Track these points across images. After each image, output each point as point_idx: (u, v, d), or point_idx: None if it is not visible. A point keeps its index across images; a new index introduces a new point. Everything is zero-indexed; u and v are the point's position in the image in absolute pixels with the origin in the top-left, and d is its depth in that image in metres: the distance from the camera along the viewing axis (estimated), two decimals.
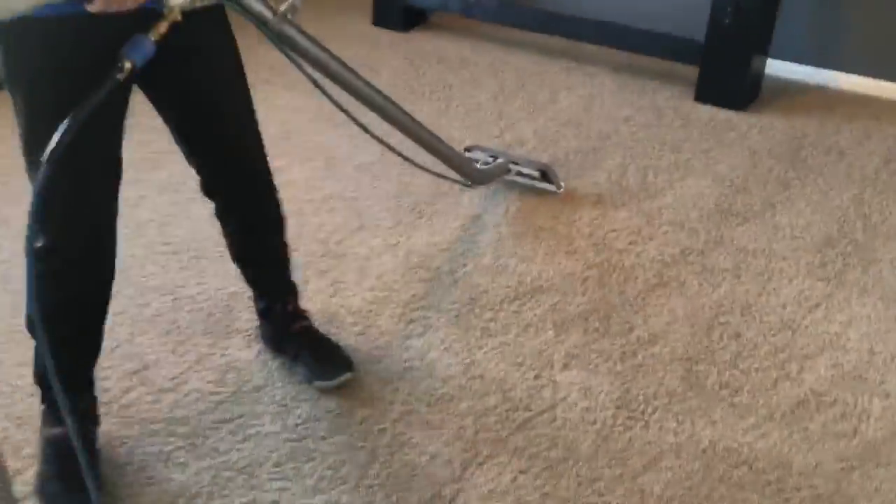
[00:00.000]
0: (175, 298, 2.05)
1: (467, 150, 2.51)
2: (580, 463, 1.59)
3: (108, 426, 1.67)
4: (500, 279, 2.09)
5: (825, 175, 2.50)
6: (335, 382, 1.76)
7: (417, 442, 1.64)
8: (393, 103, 1.77)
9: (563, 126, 2.81)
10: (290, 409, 1.72)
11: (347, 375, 1.76)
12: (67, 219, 1.40)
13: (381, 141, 1.70)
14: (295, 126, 2.80)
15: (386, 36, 3.53)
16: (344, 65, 1.61)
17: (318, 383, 1.76)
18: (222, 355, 1.87)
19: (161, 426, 1.69)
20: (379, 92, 1.71)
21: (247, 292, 1.97)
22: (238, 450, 1.63)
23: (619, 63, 3.19)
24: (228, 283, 2.08)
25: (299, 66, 1.49)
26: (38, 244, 1.36)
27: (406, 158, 1.85)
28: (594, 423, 1.68)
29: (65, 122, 1.13)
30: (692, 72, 2.93)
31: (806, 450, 1.61)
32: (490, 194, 2.43)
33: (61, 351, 1.38)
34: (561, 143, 2.70)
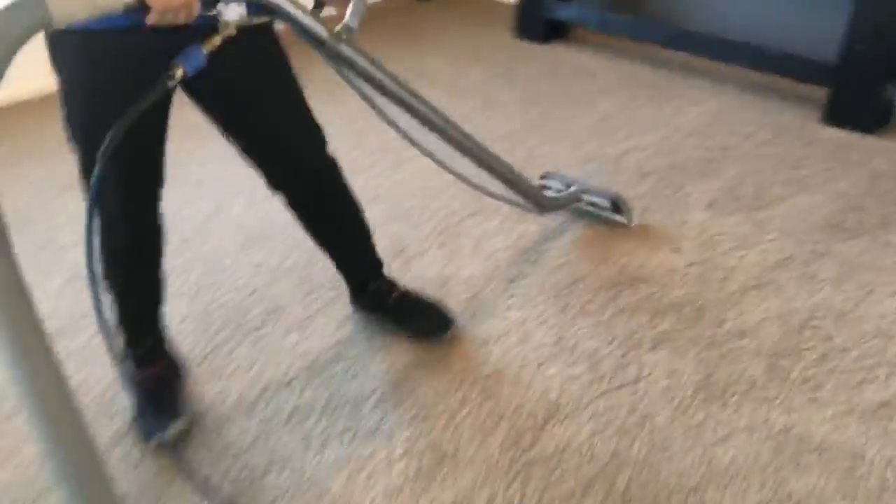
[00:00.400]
0: (310, 256, 2.31)
1: (543, 177, 2.53)
2: (654, 431, 1.70)
3: (243, 350, 1.94)
4: (603, 267, 2.22)
5: None
6: (443, 336, 1.94)
7: (505, 395, 1.80)
8: (454, 126, 1.76)
9: (686, 137, 2.90)
10: (395, 356, 1.92)
11: (453, 328, 1.95)
12: (112, 217, 1.55)
13: (442, 165, 1.77)
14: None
15: (526, 47, 3.74)
16: (402, 84, 1.61)
17: (431, 339, 1.94)
18: (343, 308, 2.10)
19: (285, 357, 1.94)
20: (439, 113, 1.71)
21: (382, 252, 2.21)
22: (347, 383, 1.85)
23: (747, 81, 3.25)
24: None
25: (356, 87, 1.54)
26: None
27: (471, 184, 1.93)
28: (673, 399, 1.78)
29: (115, 124, 1.20)
30: (820, 93, 2.95)
31: (882, 445, 1.64)
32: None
33: (123, 299, 1.69)
34: (681, 151, 2.80)
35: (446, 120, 1.74)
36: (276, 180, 1.72)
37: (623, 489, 1.57)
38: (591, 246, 2.31)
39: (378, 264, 2.00)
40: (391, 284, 2.00)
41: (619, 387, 1.82)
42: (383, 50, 3.61)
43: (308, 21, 1.38)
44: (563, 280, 2.17)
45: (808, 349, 1.91)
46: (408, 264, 2.25)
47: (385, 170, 2.71)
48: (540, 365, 1.88)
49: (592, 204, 2.42)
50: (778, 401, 1.76)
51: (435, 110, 1.70)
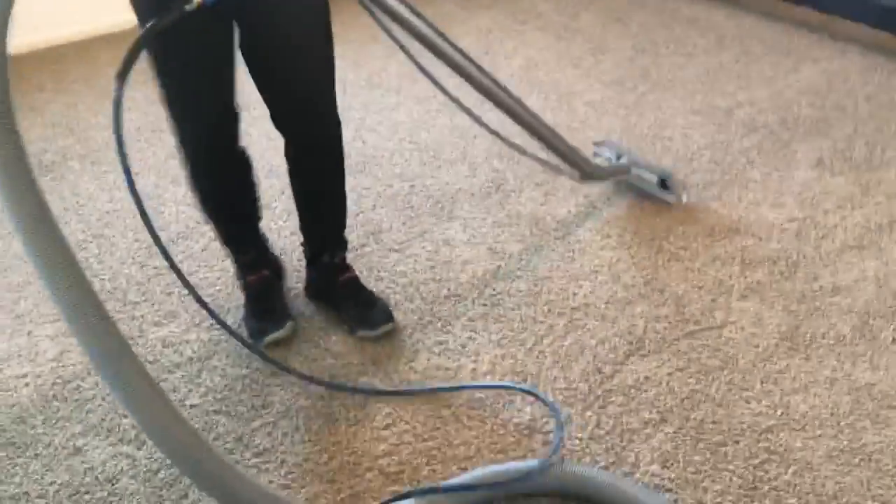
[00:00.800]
0: (412, 185, 2.42)
1: (597, 144, 2.43)
2: (735, 373, 1.74)
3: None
4: (701, 216, 2.24)
5: None
6: (378, 332, 1.84)
7: (591, 328, 1.87)
8: (497, 82, 1.71)
9: (800, 94, 2.84)
10: (488, 283, 2.02)
11: (389, 326, 1.85)
12: (193, 156, 1.71)
13: (477, 119, 1.74)
14: (539, 61, 3.08)
15: None
16: (438, 31, 1.58)
17: (362, 332, 1.85)
18: (441, 234, 2.20)
19: (386, 275, 2.06)
20: (474, 62, 1.66)
21: (482, 188, 2.29)
22: (441, 303, 1.96)
23: (871, 41, 3.13)
24: (458, 181, 2.41)
25: (388, 31, 1.55)
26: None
27: (509, 143, 1.92)
28: (757, 346, 1.81)
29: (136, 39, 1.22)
30: None
31: None
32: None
33: (220, 226, 1.85)
34: (793, 108, 2.75)
35: (489, 76, 1.68)
36: (283, 119, 1.72)
37: (697, 423, 1.63)
38: (689, 197, 2.33)
39: (343, 243, 1.96)
40: (347, 266, 1.96)
41: (704, 329, 1.86)
42: None
43: None
44: (659, 226, 2.21)
45: None
46: (506, 199, 2.33)
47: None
48: (628, 304, 1.94)
49: (640, 178, 2.30)
50: (864, 358, 1.77)
51: (477, 66, 1.65)
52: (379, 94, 2.93)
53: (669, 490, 1.50)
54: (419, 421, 1.65)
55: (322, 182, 1.83)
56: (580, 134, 2.60)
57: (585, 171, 2.09)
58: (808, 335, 1.84)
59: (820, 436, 1.59)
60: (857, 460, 1.54)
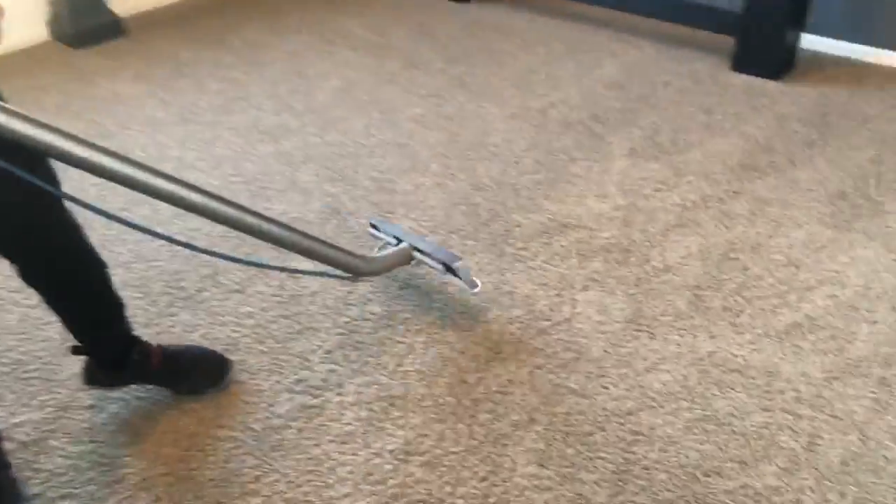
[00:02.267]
0: None
1: (373, 225, 2.13)
2: (590, 362, 1.81)
3: (184, 317, 1.96)
4: (534, 216, 2.31)
5: (847, 138, 2.66)
6: (226, 383, 1.76)
7: (449, 340, 1.88)
8: (230, 204, 1.36)
9: (606, 88, 3.01)
10: (340, 311, 1.98)
11: (230, 374, 1.78)
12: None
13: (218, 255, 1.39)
14: (356, 81, 3.07)
15: (445, 6, 3.78)
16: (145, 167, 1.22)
17: (212, 390, 1.74)
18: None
19: (230, 319, 1.96)
20: (201, 190, 1.31)
21: (317, 216, 2.24)
22: (294, 339, 1.89)
23: (661, 33, 3.39)
24: (292, 208, 2.35)
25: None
26: None
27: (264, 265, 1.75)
28: (605, 332, 1.89)
29: None
30: (729, 42, 3.10)
31: (795, 362, 1.79)
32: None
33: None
34: (602, 102, 2.91)
35: (217, 198, 1.33)
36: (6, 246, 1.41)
37: (564, 417, 1.67)
38: (519, 198, 2.40)
39: (130, 331, 1.70)
40: (149, 349, 1.69)
41: (555, 324, 1.92)
42: (304, 15, 3.60)
43: None
44: (497, 230, 2.25)
45: (727, 280, 2.04)
46: (344, 222, 2.29)
47: (316, 131, 2.73)
48: (481, 311, 1.97)
49: (427, 265, 1.99)
50: (702, 328, 1.89)
51: (193, 187, 1.29)
52: (194, 130, 2.80)
53: (549, 489, 1.53)
54: (290, 467, 1.58)
55: (79, 280, 1.57)
56: (406, 152, 2.62)
57: (359, 271, 1.77)
58: (650, 315, 1.94)
59: (676, 409, 1.68)
60: (712, 427, 1.64)
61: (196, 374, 1.76)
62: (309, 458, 1.60)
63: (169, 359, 1.72)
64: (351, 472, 1.57)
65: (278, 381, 1.78)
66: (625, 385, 1.75)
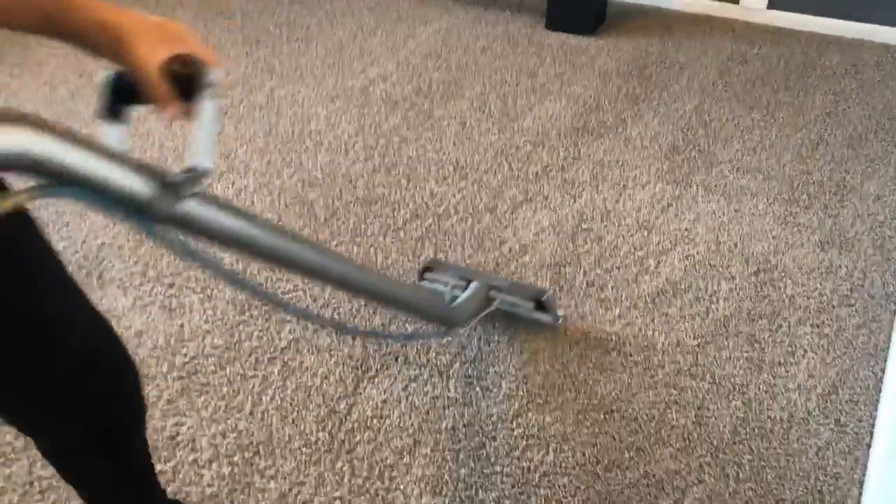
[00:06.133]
0: None
1: (427, 269, 1.81)
2: (466, 364, 1.68)
3: None
4: (376, 208, 2.13)
5: (669, 89, 2.68)
6: None
7: (308, 366, 1.68)
8: (343, 261, 1.15)
9: (424, 59, 2.86)
10: (175, 350, 1.72)
11: None
12: None
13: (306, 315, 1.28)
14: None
15: None
16: (269, 225, 0.96)
17: None
18: (97, 305, 1.83)
19: None
20: (325, 251, 1.09)
21: (118, 241, 1.94)
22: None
23: None
24: (94, 233, 2.03)
25: (199, 258, 0.84)
26: None
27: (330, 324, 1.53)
28: (475, 329, 1.77)
29: None
30: (542, 1, 3.04)
31: (667, 331, 1.76)
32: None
33: None
34: (423, 74, 2.76)
35: (331, 256, 1.11)
36: (46, 408, 1.02)
37: (450, 433, 1.54)
38: (355, 188, 2.21)
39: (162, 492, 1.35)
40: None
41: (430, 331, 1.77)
42: None
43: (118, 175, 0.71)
44: (340, 227, 2.06)
45: (584, 252, 1.98)
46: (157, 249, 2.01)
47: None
48: (330, 332, 1.78)
49: (513, 305, 1.74)
50: (571, 308, 1.82)
51: (321, 249, 1.07)
52: None
53: None
54: None
55: (137, 450, 1.24)
56: (220, 149, 2.34)
57: (449, 318, 1.51)
58: None
59: (562, 403, 1.60)
60: (601, 416, 1.57)
61: None
62: None
63: None
64: None
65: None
66: (506, 386, 1.64)
